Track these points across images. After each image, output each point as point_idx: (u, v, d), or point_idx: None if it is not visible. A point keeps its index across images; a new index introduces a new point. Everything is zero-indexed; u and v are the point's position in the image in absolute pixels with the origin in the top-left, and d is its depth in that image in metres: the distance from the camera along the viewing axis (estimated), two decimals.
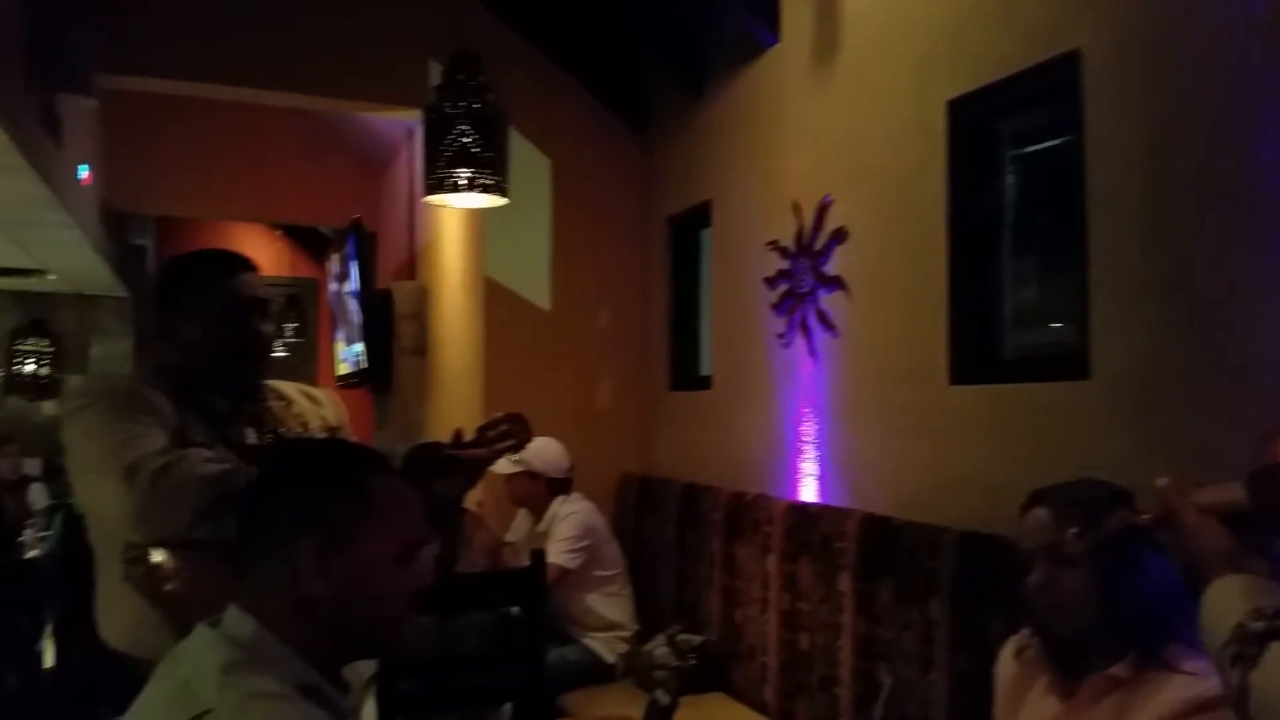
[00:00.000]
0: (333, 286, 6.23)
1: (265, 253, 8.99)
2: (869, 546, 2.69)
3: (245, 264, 1.95)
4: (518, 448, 1.96)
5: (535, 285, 4.35)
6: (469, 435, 1.95)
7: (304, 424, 1.95)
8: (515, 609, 3.12)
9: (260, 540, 1.22)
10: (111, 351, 8.25)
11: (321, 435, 1.96)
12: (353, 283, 5.53)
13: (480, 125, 3.16)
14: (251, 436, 1.86)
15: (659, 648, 3.38)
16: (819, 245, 3.14)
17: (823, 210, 3.13)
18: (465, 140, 3.11)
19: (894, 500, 2.76)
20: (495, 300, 4.31)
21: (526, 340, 4.32)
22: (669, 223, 4.33)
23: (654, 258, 4.44)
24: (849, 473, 3.03)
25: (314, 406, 2.02)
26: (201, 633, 1.21)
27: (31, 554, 4.98)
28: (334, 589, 1.17)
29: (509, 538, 3.70)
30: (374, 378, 5.43)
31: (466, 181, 3.17)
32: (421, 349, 5.22)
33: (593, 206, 4.45)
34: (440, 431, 4.70)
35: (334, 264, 6.02)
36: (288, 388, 2.03)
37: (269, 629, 1.16)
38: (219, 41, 4.14)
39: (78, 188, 5.21)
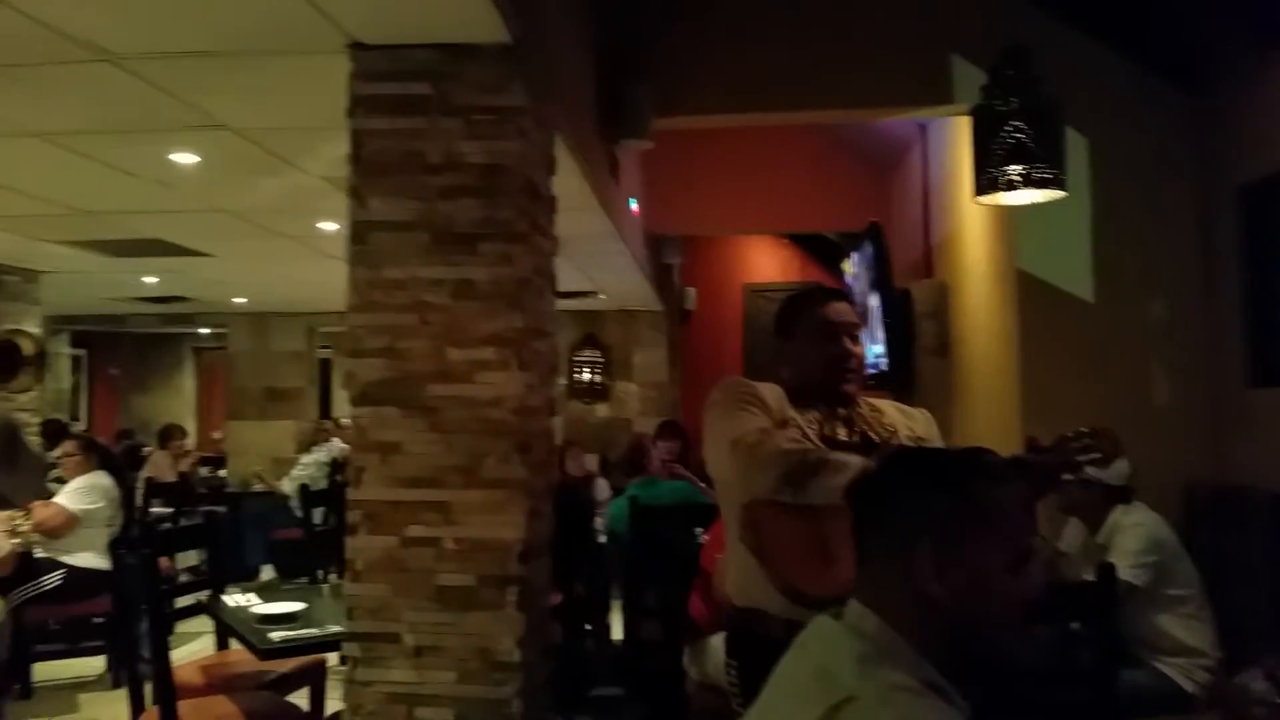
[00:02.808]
0: (849, 289, 6.41)
1: (774, 260, 9.55)
2: None
3: (837, 295, 2.31)
4: (1103, 463, 2.06)
5: (1075, 275, 4.06)
6: (1045, 442, 2.05)
7: (892, 432, 2.14)
8: (1077, 625, 2.95)
9: (877, 540, 1.28)
10: (651, 359, 9.34)
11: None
12: (870, 284, 5.63)
13: (1033, 119, 3.04)
14: (842, 434, 2.12)
15: (1256, 681, 2.96)
16: None
17: None
18: (1018, 136, 3.01)
19: None
20: (1029, 294, 4.10)
21: (1066, 335, 4.06)
22: (1241, 193, 3.78)
23: (1220, 235, 3.92)
24: None
25: (904, 419, 2.21)
26: (826, 623, 1.30)
27: (600, 539, 5.71)
28: (949, 592, 1.19)
29: (1060, 548, 3.50)
30: (894, 379, 5.47)
31: (1021, 178, 3.07)
32: (943, 348, 5.15)
33: (1139, 185, 4.06)
34: (968, 435, 4.62)
35: (851, 266, 6.18)
36: (883, 403, 2.28)
37: (890, 625, 1.22)
38: (750, 75, 4.50)
39: (629, 218, 5.97)
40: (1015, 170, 3.06)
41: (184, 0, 2.68)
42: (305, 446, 8.99)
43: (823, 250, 8.76)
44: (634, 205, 6.08)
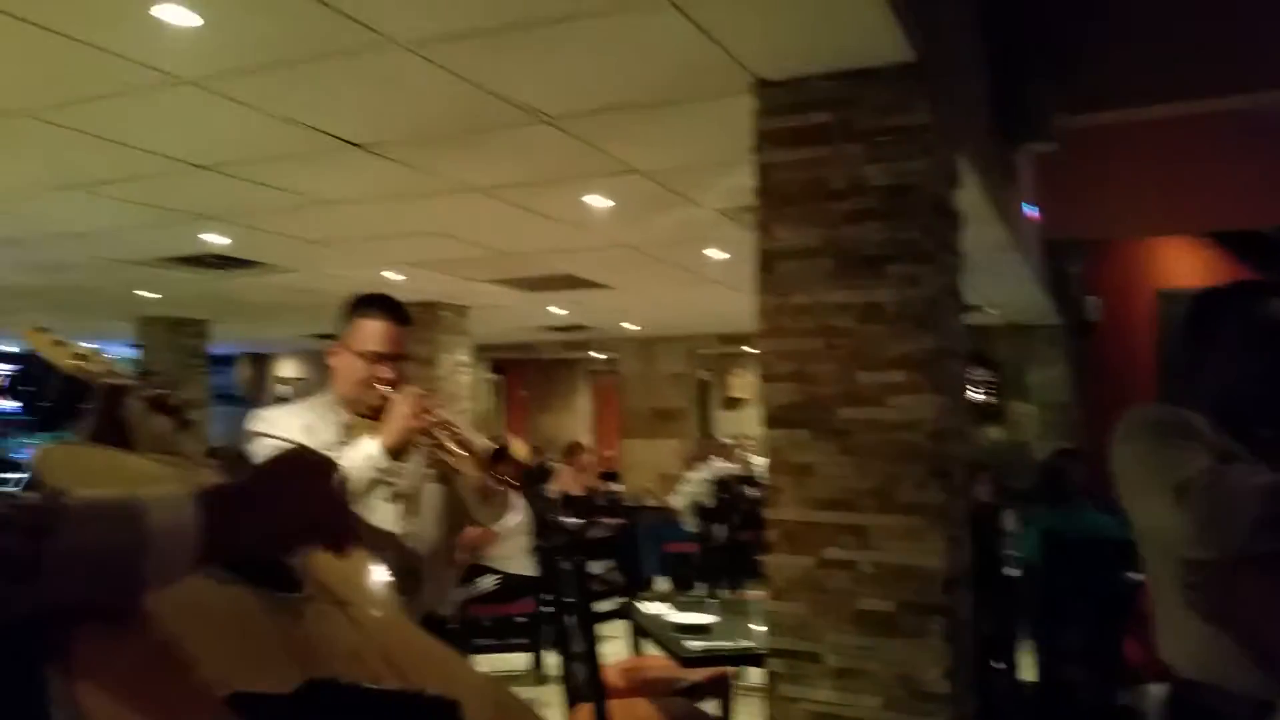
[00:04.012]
0: None
1: (1193, 262, 8.51)
2: None
3: (1276, 288, 1.87)
4: None
5: None
6: None
7: None
8: None
9: None
10: (1048, 377, 8.67)
11: None
12: None
13: None
14: None
15: None
16: None
17: None
18: None
19: None
20: None
21: None
22: None
23: None
24: None
25: None
26: None
27: (1008, 571, 5.36)
28: None
29: None
30: None
31: None
32: None
33: None
34: None
35: None
36: None
37: None
38: (1175, 59, 4.05)
39: (1025, 226, 5.61)
40: None
41: (612, 62, 2.95)
42: (690, 464, 9.45)
43: (1255, 249, 7.65)
44: (1031, 211, 5.72)
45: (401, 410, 2.20)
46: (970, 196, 3.99)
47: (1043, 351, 8.67)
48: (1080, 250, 7.69)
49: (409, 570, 2.27)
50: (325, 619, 0.92)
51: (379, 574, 1.13)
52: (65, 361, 1.40)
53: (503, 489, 2.41)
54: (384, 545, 2.23)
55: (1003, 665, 5.04)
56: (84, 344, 1.43)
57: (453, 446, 2.23)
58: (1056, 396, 8.59)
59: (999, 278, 6.20)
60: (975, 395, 8.83)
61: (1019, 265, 5.78)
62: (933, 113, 2.85)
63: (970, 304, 7.42)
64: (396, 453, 2.20)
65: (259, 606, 0.88)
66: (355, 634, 0.92)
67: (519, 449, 2.31)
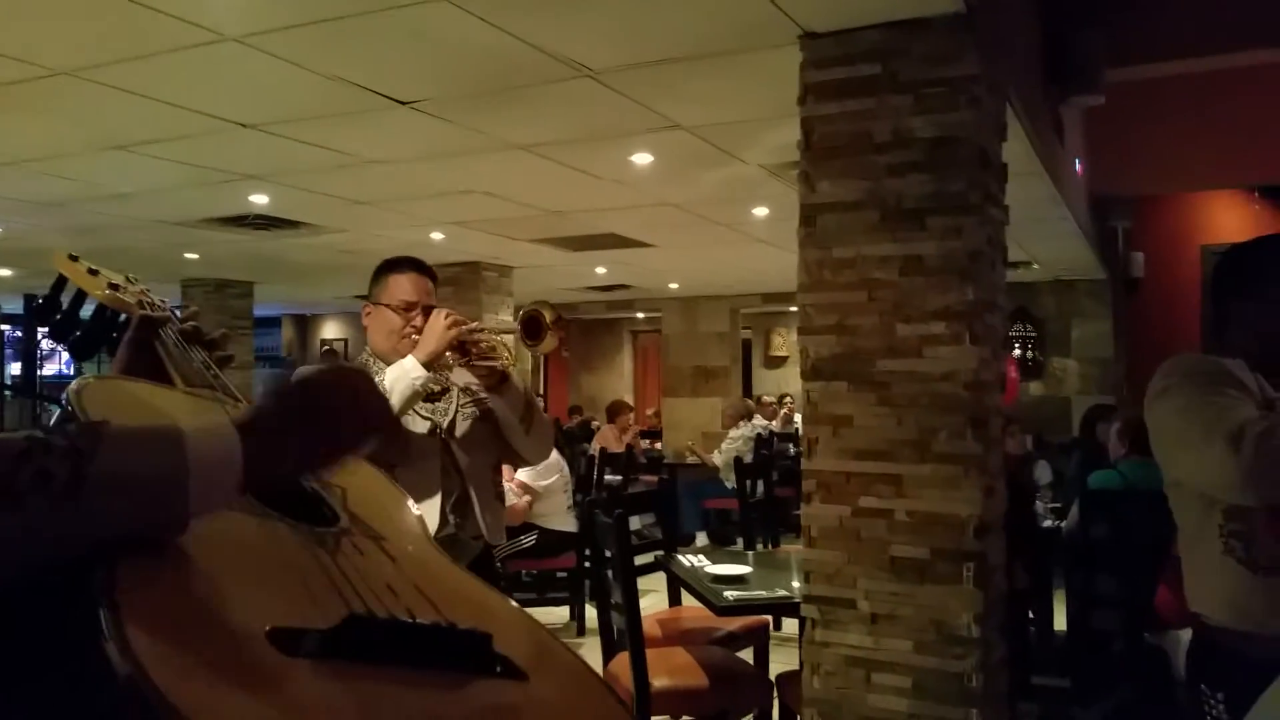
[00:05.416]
0: None
1: (1238, 217, 8.36)
2: None
3: None
4: None
5: None
6: None
7: None
8: None
9: None
10: (1091, 333, 8.60)
11: None
12: None
13: None
14: None
15: None
16: None
17: None
18: None
19: None
20: None
21: None
22: None
23: None
24: None
25: None
26: None
27: (1044, 523, 5.35)
28: None
29: None
30: None
31: None
32: None
33: None
34: None
35: None
36: None
37: None
38: (1229, 6, 3.95)
39: (1072, 180, 5.54)
40: None
41: (656, 13, 2.96)
42: (732, 422, 9.50)
43: None
44: (1078, 166, 5.64)
45: (435, 325, 2.27)
46: (1017, 149, 3.95)
47: (1086, 307, 8.59)
48: (1126, 206, 7.56)
49: (458, 495, 2.34)
50: (361, 552, 0.93)
51: (412, 508, 1.14)
52: (98, 291, 1.36)
53: (544, 414, 2.47)
54: (429, 451, 2.31)
55: (1036, 614, 5.07)
56: (118, 273, 1.39)
57: (491, 340, 2.32)
58: (1099, 352, 8.53)
59: (1044, 233, 6.13)
60: (1015, 350, 8.78)
61: (1065, 220, 5.71)
62: (981, 64, 2.83)
63: (1015, 259, 7.38)
64: (432, 364, 2.26)
65: (296, 540, 0.89)
66: (390, 567, 0.93)
67: (548, 313, 2.39)
